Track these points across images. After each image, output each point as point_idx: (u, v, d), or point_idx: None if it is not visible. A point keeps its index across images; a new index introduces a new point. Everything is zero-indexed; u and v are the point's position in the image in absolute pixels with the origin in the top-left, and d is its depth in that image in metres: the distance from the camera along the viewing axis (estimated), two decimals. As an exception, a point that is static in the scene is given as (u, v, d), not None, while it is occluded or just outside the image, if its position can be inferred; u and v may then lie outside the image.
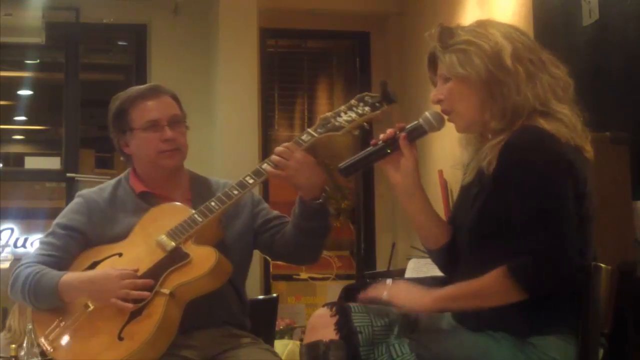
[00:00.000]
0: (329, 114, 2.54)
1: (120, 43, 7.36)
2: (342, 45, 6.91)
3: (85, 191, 2.77)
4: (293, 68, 6.97)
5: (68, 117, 6.39)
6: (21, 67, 7.60)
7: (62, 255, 2.61)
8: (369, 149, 2.26)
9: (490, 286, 1.98)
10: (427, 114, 2.21)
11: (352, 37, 6.67)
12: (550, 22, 4.13)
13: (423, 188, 2.24)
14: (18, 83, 8.17)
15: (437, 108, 2.23)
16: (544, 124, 2.04)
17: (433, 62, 2.22)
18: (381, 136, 2.23)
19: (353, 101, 2.53)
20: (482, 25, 2.17)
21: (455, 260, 2.21)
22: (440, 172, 4.39)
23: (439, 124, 2.21)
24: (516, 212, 1.98)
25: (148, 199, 2.68)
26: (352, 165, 2.27)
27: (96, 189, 2.77)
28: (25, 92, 8.63)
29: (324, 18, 6.41)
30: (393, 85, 6.24)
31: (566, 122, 2.06)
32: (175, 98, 2.72)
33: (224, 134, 5.75)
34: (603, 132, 2.99)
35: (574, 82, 2.15)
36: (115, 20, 6.40)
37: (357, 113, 2.51)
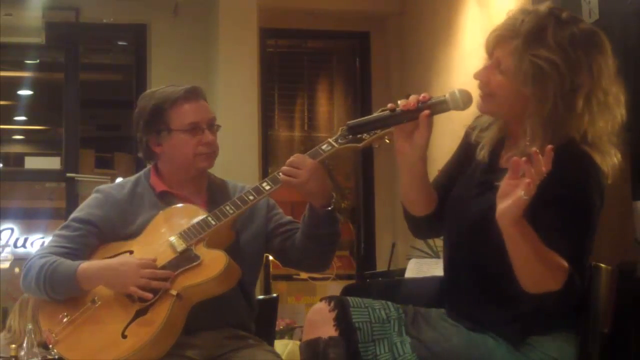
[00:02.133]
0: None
1: (120, 43, 7.35)
2: (342, 45, 6.90)
3: (103, 187, 2.76)
4: (293, 68, 6.96)
5: (68, 117, 6.39)
6: (21, 67, 7.61)
7: (76, 247, 2.59)
8: (384, 113, 2.15)
9: (556, 265, 1.85)
10: (455, 91, 2.06)
11: (352, 37, 6.67)
12: (550, 22, 4.12)
13: (426, 160, 2.16)
14: (18, 83, 8.18)
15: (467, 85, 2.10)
16: (590, 151, 1.98)
17: (499, 40, 2.03)
18: (401, 102, 2.11)
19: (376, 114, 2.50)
20: (580, 46, 1.99)
21: (435, 228, 2.21)
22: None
23: (465, 105, 2.06)
24: (549, 220, 1.89)
25: (167, 199, 2.67)
26: (362, 125, 2.19)
27: (115, 185, 2.78)
28: (25, 92, 8.64)
29: (324, 18, 6.41)
30: (393, 85, 6.27)
31: (606, 154, 2.00)
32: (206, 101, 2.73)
33: (223, 133, 5.72)
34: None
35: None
36: (115, 20, 6.39)
37: None
